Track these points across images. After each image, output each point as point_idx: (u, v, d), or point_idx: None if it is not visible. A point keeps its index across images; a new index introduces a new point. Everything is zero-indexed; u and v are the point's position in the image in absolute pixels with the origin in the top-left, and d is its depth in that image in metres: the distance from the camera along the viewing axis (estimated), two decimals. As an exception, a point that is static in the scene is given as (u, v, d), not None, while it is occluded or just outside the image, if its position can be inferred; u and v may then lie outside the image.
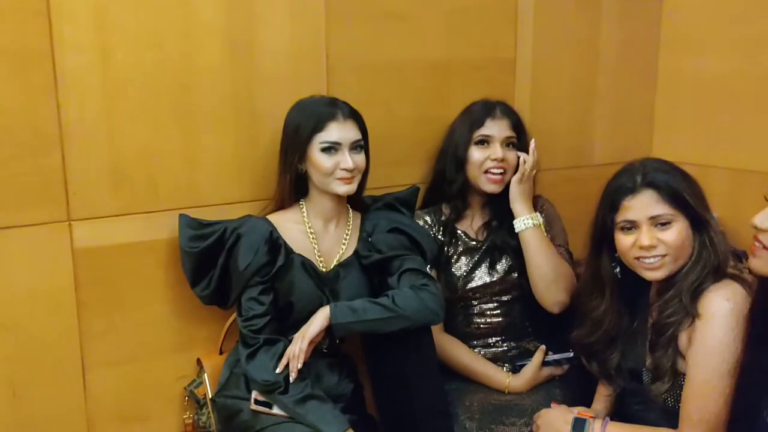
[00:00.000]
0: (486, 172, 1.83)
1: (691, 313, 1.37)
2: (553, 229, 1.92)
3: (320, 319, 1.51)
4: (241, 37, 1.70)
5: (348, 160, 1.56)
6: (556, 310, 1.81)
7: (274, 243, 1.58)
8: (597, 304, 1.54)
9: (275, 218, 1.64)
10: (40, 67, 1.49)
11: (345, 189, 1.59)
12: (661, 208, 1.41)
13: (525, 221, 1.81)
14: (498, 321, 1.91)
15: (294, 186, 1.64)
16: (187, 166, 1.67)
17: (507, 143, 1.85)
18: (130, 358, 1.68)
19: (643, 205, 1.42)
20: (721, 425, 1.34)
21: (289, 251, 1.60)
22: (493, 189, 1.84)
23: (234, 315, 1.69)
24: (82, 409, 1.64)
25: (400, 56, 1.93)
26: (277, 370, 1.50)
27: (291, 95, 1.71)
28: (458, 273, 1.89)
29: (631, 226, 1.44)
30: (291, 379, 1.50)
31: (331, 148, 1.57)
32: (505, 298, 1.90)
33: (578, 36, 2.23)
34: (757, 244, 1.20)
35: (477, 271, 1.89)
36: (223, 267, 1.59)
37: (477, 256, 1.90)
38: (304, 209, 1.67)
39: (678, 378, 1.40)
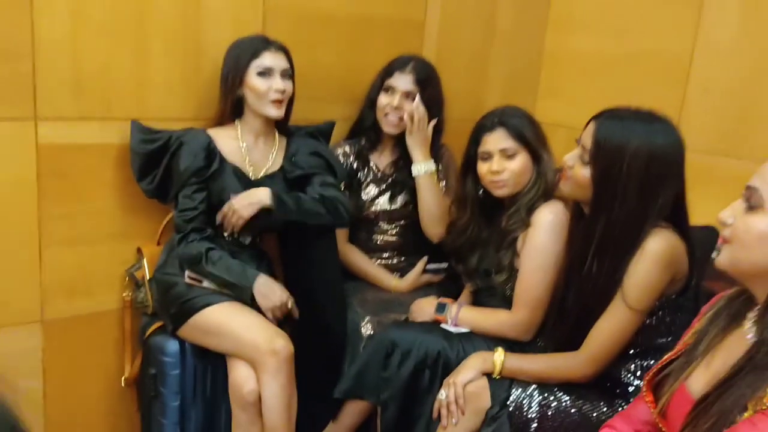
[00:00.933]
0: (385, 115, 2.20)
1: (525, 223, 1.82)
2: (448, 176, 2.34)
3: (261, 196, 1.88)
4: (190, -20, 2.00)
5: (280, 83, 1.92)
6: (436, 240, 2.21)
7: (211, 151, 1.93)
8: (461, 215, 1.98)
9: (213, 132, 1.98)
10: (18, -14, 1.76)
11: (276, 112, 1.95)
12: (509, 143, 1.85)
13: (419, 167, 2.18)
14: (393, 240, 2.32)
15: (231, 108, 1.98)
16: (140, 84, 1.97)
17: (407, 95, 2.19)
18: (80, 241, 1.98)
19: (495, 139, 1.86)
20: (541, 306, 1.80)
21: (223, 159, 1.94)
22: (389, 130, 2.21)
23: (171, 213, 2.03)
24: (37, 281, 1.94)
25: (327, 7, 2.27)
26: (218, 219, 1.89)
27: (231, 34, 2.04)
28: (365, 197, 2.27)
29: (487, 156, 1.88)
30: (225, 235, 1.85)
31: (265, 73, 1.92)
32: (401, 223, 2.31)
33: (479, 9, 2.64)
34: (564, 172, 1.66)
35: (380, 198, 2.28)
36: (166, 167, 1.92)
37: (382, 186, 2.28)
38: (238, 127, 2.01)
39: (514, 272, 1.86)
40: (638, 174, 1.51)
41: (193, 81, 2.06)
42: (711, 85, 2.39)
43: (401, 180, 2.28)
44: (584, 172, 1.58)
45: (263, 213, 1.90)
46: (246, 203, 1.87)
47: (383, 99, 2.21)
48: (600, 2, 2.67)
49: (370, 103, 2.24)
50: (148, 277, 2.01)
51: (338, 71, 2.36)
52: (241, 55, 1.94)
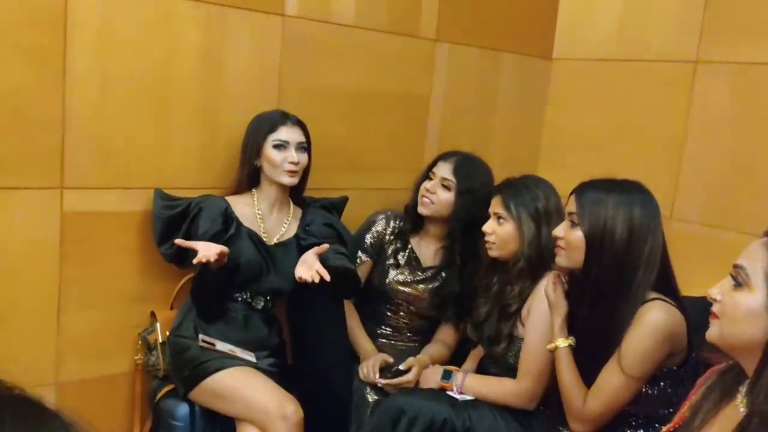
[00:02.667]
0: (422, 197, 2.27)
1: (521, 298, 1.93)
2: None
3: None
4: (212, 56, 2.13)
5: (294, 155, 2.03)
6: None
7: (228, 216, 2.02)
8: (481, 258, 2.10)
9: (231, 199, 2.08)
10: (53, 63, 1.87)
11: (289, 180, 2.05)
12: (500, 209, 1.98)
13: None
14: (406, 322, 2.36)
15: (248, 177, 2.09)
16: (160, 155, 2.07)
17: (443, 183, 2.23)
18: (97, 305, 2.04)
19: (494, 203, 2.01)
20: (546, 375, 1.85)
21: (240, 224, 2.03)
22: (420, 210, 2.27)
23: (185, 277, 2.10)
24: (54, 343, 1.99)
25: (339, 85, 2.40)
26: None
27: (248, 108, 2.16)
28: (394, 276, 2.31)
29: (487, 217, 2.03)
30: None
31: (281, 146, 2.03)
32: (419, 310, 2.33)
33: (481, 86, 2.78)
34: (557, 248, 1.76)
35: (411, 285, 2.32)
36: (186, 232, 2.00)
37: (419, 275, 2.32)
38: (255, 195, 2.11)
39: (514, 342, 1.92)
40: (623, 219, 1.64)
41: (211, 152, 2.17)
42: (705, 160, 2.51)
43: (437, 272, 2.33)
44: (576, 234, 1.68)
45: (275, 272, 1.98)
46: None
47: (424, 184, 2.29)
48: (596, 81, 2.82)
49: (416, 188, 2.32)
50: (160, 341, 2.06)
51: (347, 143, 2.47)
52: (259, 128, 2.06)
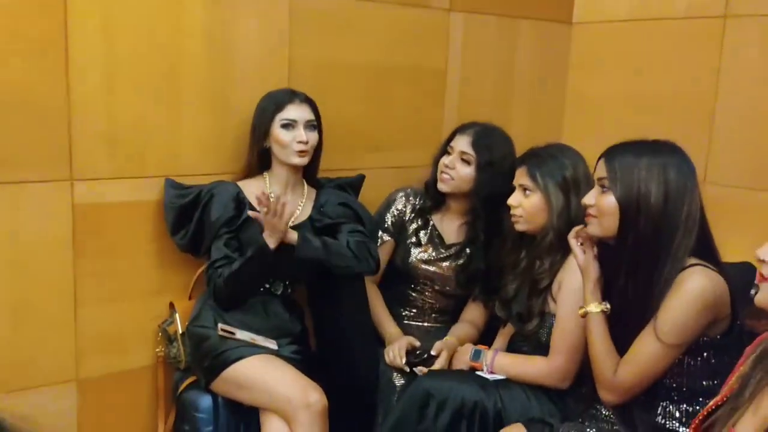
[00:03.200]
0: (441, 173, 2.18)
1: (550, 274, 1.84)
2: None
3: (292, 234, 1.89)
4: (220, 34, 2.05)
5: (303, 134, 1.95)
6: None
7: (240, 201, 1.96)
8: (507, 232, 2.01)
9: (242, 183, 2.02)
10: (55, 52, 1.81)
11: (299, 160, 1.97)
12: (526, 181, 1.88)
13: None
14: (431, 302, 2.28)
15: (259, 159, 2.02)
16: (172, 141, 2.01)
17: (462, 157, 2.14)
18: (114, 298, 2.00)
19: (519, 174, 1.92)
20: (579, 352, 1.76)
21: (252, 208, 1.96)
22: (440, 187, 2.18)
23: (203, 266, 2.04)
24: (72, 340, 1.95)
25: (350, 60, 2.32)
26: (249, 213, 1.91)
27: (258, 87, 2.09)
28: (418, 256, 2.24)
29: (512, 189, 1.94)
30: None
31: (288, 125, 1.96)
32: (445, 288, 2.25)
33: (499, 56, 2.68)
34: (587, 217, 1.66)
35: (435, 263, 2.24)
36: (198, 221, 1.95)
37: (442, 252, 2.24)
38: (266, 178, 2.04)
39: (547, 317, 1.83)
40: (657, 182, 1.54)
41: (223, 135, 2.10)
42: (737, 119, 2.39)
43: (461, 249, 2.25)
44: (608, 200, 1.58)
45: (291, 255, 1.89)
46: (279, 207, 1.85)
47: (443, 159, 2.20)
48: (620, 43, 2.70)
49: (434, 163, 2.24)
50: (180, 332, 2.02)
51: (362, 121, 2.39)
52: (266, 108, 1.99)
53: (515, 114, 2.77)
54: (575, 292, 1.74)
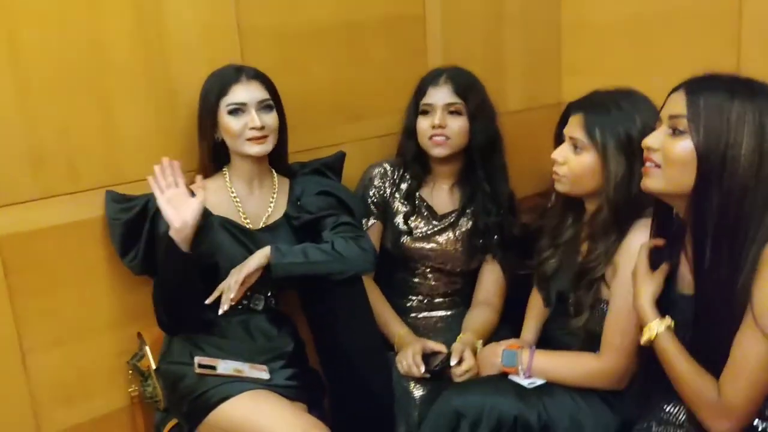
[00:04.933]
0: (430, 138, 1.87)
1: (606, 261, 1.49)
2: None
3: (259, 256, 1.56)
4: (149, 8, 1.69)
5: (255, 118, 1.61)
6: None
7: None
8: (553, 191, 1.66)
9: None
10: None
11: (257, 149, 1.63)
12: (578, 134, 1.53)
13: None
14: (435, 284, 2.00)
15: (213, 154, 1.68)
16: (107, 144, 1.66)
17: (450, 109, 1.86)
18: (69, 338, 1.68)
19: (570, 124, 1.57)
20: (636, 350, 1.44)
21: (208, 214, 1.63)
22: (438, 152, 1.88)
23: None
24: (26, 392, 1.64)
25: (311, 18, 1.96)
26: (207, 301, 1.55)
27: (206, 65, 1.73)
28: (412, 234, 1.95)
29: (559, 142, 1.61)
30: (220, 311, 1.52)
31: (237, 110, 1.62)
32: (447, 266, 1.97)
33: (483, -11, 2.31)
34: (648, 163, 1.31)
35: (431, 239, 1.95)
36: (149, 235, 1.62)
37: (436, 225, 1.95)
38: (227, 175, 1.71)
39: (599, 305, 1.52)
40: (751, 132, 1.18)
41: (169, 130, 1.75)
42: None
43: (459, 216, 1.96)
44: (682, 145, 1.23)
45: (266, 272, 1.58)
46: (240, 277, 1.54)
47: (423, 123, 1.88)
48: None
49: (408, 132, 1.93)
50: (153, 367, 1.71)
51: (336, 89, 2.04)
52: (209, 94, 1.65)
53: (508, 56, 2.43)
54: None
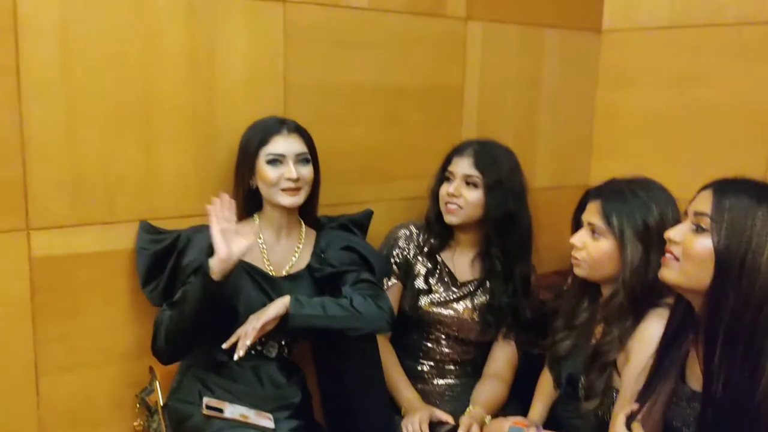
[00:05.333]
0: (446, 204, 1.91)
1: (620, 347, 1.49)
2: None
3: (278, 305, 1.57)
4: (202, 57, 1.77)
5: (292, 170, 1.66)
6: None
7: None
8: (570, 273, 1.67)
9: None
10: (4, 81, 1.54)
11: (290, 201, 1.68)
12: (596, 219, 1.57)
13: None
14: (449, 351, 1.98)
15: (247, 200, 1.73)
16: (146, 179, 1.73)
17: (467, 180, 1.89)
18: (83, 365, 1.71)
19: (588, 209, 1.60)
20: None
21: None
22: (449, 220, 1.91)
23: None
24: (35, 414, 1.67)
25: (354, 80, 2.03)
26: (224, 346, 1.56)
27: (249, 114, 1.80)
28: (430, 298, 1.95)
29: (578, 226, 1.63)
30: (236, 357, 1.53)
31: (275, 160, 1.67)
32: (462, 335, 1.96)
33: (521, 68, 2.38)
34: (668, 255, 1.33)
35: (449, 305, 1.95)
36: (172, 269, 1.66)
37: (456, 292, 1.96)
38: (256, 221, 1.75)
39: (610, 392, 1.51)
40: None
41: (207, 172, 1.81)
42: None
43: (478, 286, 1.97)
44: (703, 243, 1.25)
45: (283, 321, 1.60)
46: (258, 324, 1.55)
47: (443, 189, 1.93)
48: (657, 53, 2.40)
49: (433, 196, 1.97)
50: (161, 403, 1.72)
51: (369, 148, 2.09)
52: (250, 142, 1.71)
53: (540, 134, 2.47)
54: (646, 369, 1.43)
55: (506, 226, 1.91)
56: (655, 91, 2.41)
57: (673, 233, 1.31)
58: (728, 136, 2.22)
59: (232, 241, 1.52)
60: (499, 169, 1.90)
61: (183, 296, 1.58)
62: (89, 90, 1.64)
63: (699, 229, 1.26)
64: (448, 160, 1.95)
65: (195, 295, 1.54)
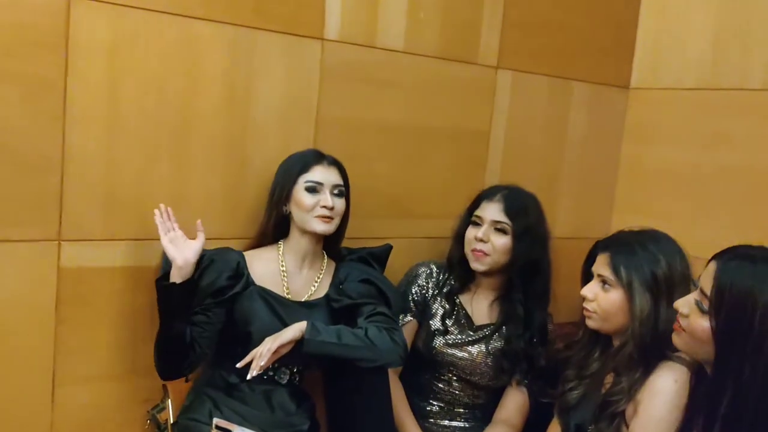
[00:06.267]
0: (472, 250, 1.92)
1: (629, 398, 1.50)
2: None
3: (295, 329, 1.60)
4: (240, 87, 1.84)
5: (329, 199, 1.71)
6: None
7: (238, 272, 1.71)
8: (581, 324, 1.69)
9: (250, 253, 1.78)
10: (51, 95, 1.60)
11: (323, 228, 1.72)
12: (606, 272, 1.60)
13: None
14: (458, 394, 1.99)
15: (275, 226, 1.78)
16: (177, 201, 1.77)
17: (495, 227, 1.91)
18: (99, 378, 1.74)
19: (598, 262, 1.63)
20: None
21: (250, 282, 1.71)
22: (475, 267, 1.93)
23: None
24: (48, 422, 1.69)
25: (384, 118, 2.09)
26: (238, 365, 1.59)
27: (280, 145, 1.86)
28: (444, 340, 1.96)
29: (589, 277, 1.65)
30: (249, 377, 1.56)
31: (313, 188, 1.73)
32: (475, 379, 1.97)
33: (548, 117, 2.42)
34: (677, 324, 1.36)
35: (463, 348, 1.96)
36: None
37: (471, 335, 1.97)
38: (281, 248, 1.80)
39: None
40: None
41: (236, 196, 1.86)
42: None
43: (494, 331, 1.98)
44: (703, 324, 1.28)
45: (297, 346, 1.62)
46: (273, 346, 1.58)
47: (470, 233, 1.95)
48: (684, 113, 2.43)
49: (457, 238, 1.99)
50: (171, 421, 1.74)
51: (394, 185, 2.14)
52: (290, 169, 1.77)
53: (563, 184, 2.50)
54: (654, 420, 1.43)
55: (530, 272, 1.92)
56: (680, 150, 2.44)
57: (681, 305, 1.34)
58: (752, 198, 2.23)
59: (184, 248, 1.64)
60: (528, 216, 1.92)
61: (159, 313, 1.66)
62: (130, 111, 1.70)
63: (701, 310, 1.29)
64: (476, 204, 1.97)
65: (165, 306, 1.64)
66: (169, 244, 1.64)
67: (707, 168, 2.35)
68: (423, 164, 2.18)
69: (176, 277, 1.63)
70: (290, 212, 1.76)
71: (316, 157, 1.78)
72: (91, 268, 1.70)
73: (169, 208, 1.68)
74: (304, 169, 1.75)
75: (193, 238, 1.70)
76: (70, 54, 1.62)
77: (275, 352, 1.57)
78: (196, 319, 1.67)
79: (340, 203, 1.75)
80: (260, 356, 1.56)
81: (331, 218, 1.73)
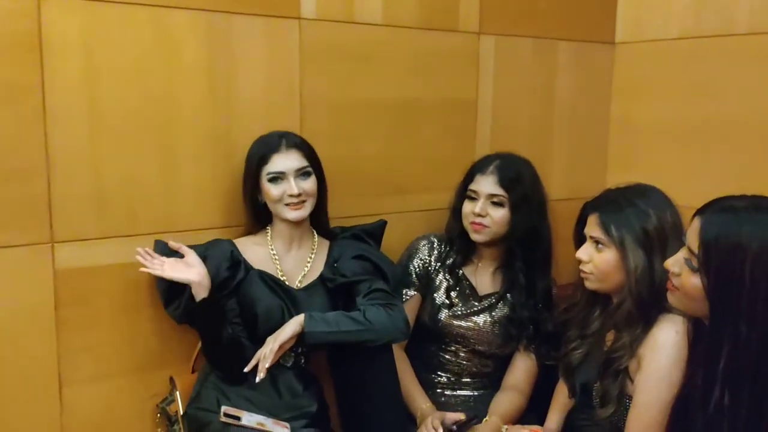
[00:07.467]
0: (471, 223, 1.92)
1: (632, 353, 1.50)
2: None
3: (294, 324, 1.61)
4: (221, 75, 1.82)
5: (293, 186, 1.70)
6: None
7: (235, 260, 1.72)
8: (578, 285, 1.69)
9: (240, 241, 1.78)
10: (30, 98, 1.59)
11: (294, 215, 1.72)
12: (598, 233, 1.59)
13: None
14: (466, 364, 1.99)
15: (256, 214, 1.78)
16: (166, 194, 1.77)
17: (492, 200, 1.91)
18: (105, 376, 1.75)
19: (589, 223, 1.63)
20: None
21: (249, 267, 1.72)
22: (476, 239, 1.92)
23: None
24: (58, 424, 1.70)
25: (369, 95, 2.06)
26: (246, 369, 1.60)
27: (266, 129, 1.84)
28: (451, 312, 1.96)
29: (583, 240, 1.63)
30: (257, 379, 1.57)
31: (276, 178, 1.72)
32: (480, 348, 1.97)
33: (535, 81, 2.40)
34: (669, 283, 1.36)
35: (469, 318, 1.97)
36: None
37: (476, 305, 1.97)
38: (269, 233, 1.80)
39: (624, 400, 1.52)
40: (766, 280, 1.19)
41: (225, 185, 1.85)
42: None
43: (498, 299, 1.98)
44: (694, 282, 1.27)
45: (300, 338, 1.64)
46: (275, 346, 1.59)
47: (467, 207, 1.94)
48: (671, 64, 2.41)
49: (454, 212, 1.99)
50: (181, 412, 1.75)
51: (384, 161, 2.13)
52: (251, 160, 1.76)
53: (555, 147, 2.49)
54: (658, 373, 1.44)
55: (530, 239, 1.92)
56: (668, 103, 2.42)
57: (671, 264, 1.33)
58: (741, 146, 2.22)
59: (187, 267, 1.65)
60: (523, 185, 1.91)
61: (198, 328, 1.69)
62: (112, 107, 1.69)
63: (692, 268, 1.27)
64: (469, 178, 1.96)
65: (210, 323, 1.67)
66: (173, 274, 1.64)
67: (696, 118, 2.34)
68: (412, 137, 2.17)
69: (202, 292, 1.64)
70: (264, 202, 1.76)
71: (275, 142, 1.75)
72: (87, 267, 1.70)
73: (146, 248, 1.68)
74: (263, 160, 1.73)
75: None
76: (45, 55, 1.60)
77: (278, 350, 1.58)
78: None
79: (308, 185, 1.73)
80: (264, 358, 1.57)
81: (301, 203, 1.72)
